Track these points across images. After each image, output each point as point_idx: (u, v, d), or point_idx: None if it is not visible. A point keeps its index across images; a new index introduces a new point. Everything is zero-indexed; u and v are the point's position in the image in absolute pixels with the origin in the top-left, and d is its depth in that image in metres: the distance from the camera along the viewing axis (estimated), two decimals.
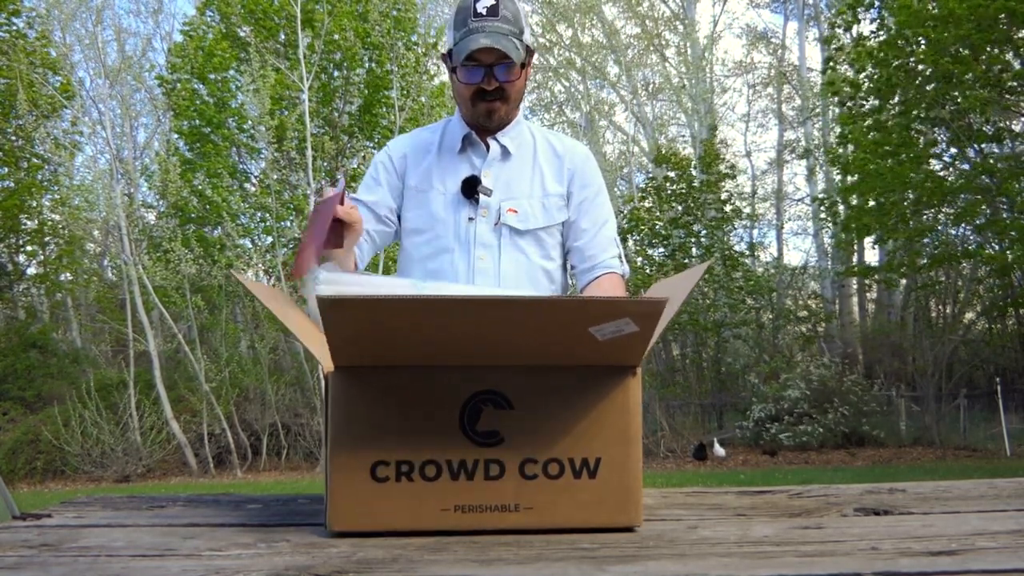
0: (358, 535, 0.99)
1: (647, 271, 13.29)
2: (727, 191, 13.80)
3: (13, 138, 13.10)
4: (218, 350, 11.53)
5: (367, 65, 12.35)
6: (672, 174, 13.63)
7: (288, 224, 11.58)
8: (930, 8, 9.24)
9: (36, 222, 13.73)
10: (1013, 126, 9.95)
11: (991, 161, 9.79)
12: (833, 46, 12.34)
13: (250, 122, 11.68)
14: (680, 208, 13.35)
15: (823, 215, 14.09)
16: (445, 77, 14.35)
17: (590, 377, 1.03)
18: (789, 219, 20.07)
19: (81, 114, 12.97)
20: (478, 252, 1.65)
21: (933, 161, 11.08)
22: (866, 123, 10.98)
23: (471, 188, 1.66)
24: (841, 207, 12.76)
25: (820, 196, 14.72)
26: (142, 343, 11.36)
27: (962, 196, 10.13)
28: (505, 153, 1.71)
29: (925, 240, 10.88)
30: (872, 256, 16.61)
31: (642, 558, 0.86)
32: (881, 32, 10.45)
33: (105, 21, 12.29)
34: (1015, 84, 9.00)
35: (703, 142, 14.53)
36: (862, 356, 14.70)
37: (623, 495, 1.02)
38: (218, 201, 11.19)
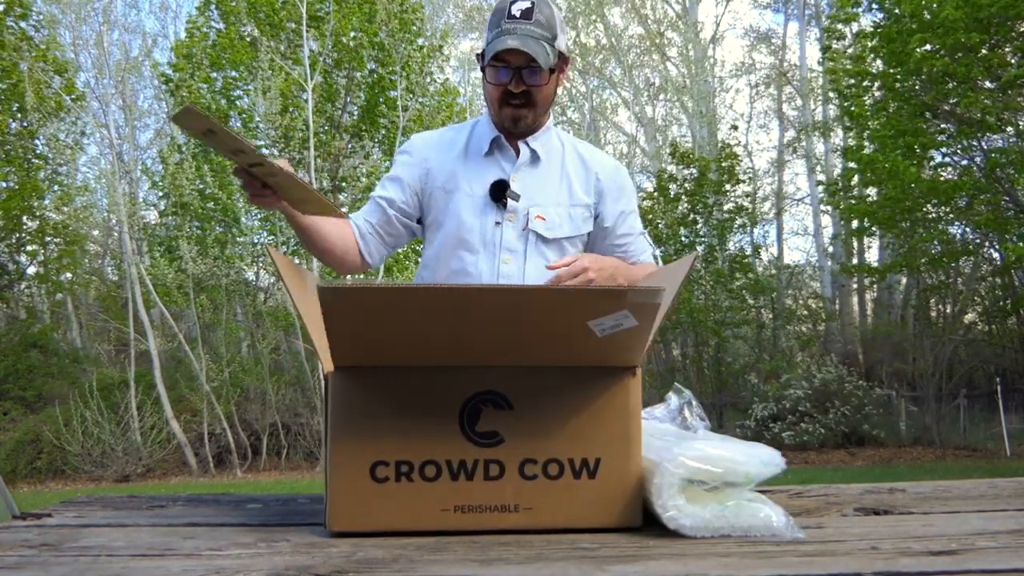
0: (358, 535, 0.99)
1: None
2: (743, 193, 13.76)
3: (14, 138, 13.10)
4: (219, 350, 11.54)
5: (370, 66, 12.35)
6: (687, 172, 13.61)
7: (285, 223, 11.58)
8: (925, 16, 9.25)
9: (37, 222, 13.73)
10: (1019, 120, 9.93)
11: (994, 156, 9.78)
12: (834, 43, 12.32)
13: (256, 121, 11.67)
14: (687, 207, 13.33)
15: (824, 201, 14.07)
16: (450, 75, 14.36)
17: (590, 377, 1.03)
18: (789, 218, 20.08)
19: (84, 114, 12.97)
20: (503, 256, 1.66)
21: (936, 156, 11.07)
22: (869, 99, 10.96)
23: (500, 192, 1.65)
24: (842, 203, 12.75)
25: (822, 181, 14.69)
26: (143, 343, 11.37)
27: (965, 196, 10.12)
28: (535, 158, 1.70)
29: (925, 239, 10.86)
30: (872, 256, 16.63)
31: (642, 558, 0.86)
32: (876, 36, 10.44)
33: (112, 20, 12.32)
34: (1018, 80, 8.99)
35: (721, 143, 14.51)
36: (862, 356, 14.70)
37: (623, 495, 1.02)
38: (224, 199, 11.21)
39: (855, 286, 17.25)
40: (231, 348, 11.74)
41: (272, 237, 11.98)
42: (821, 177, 16.46)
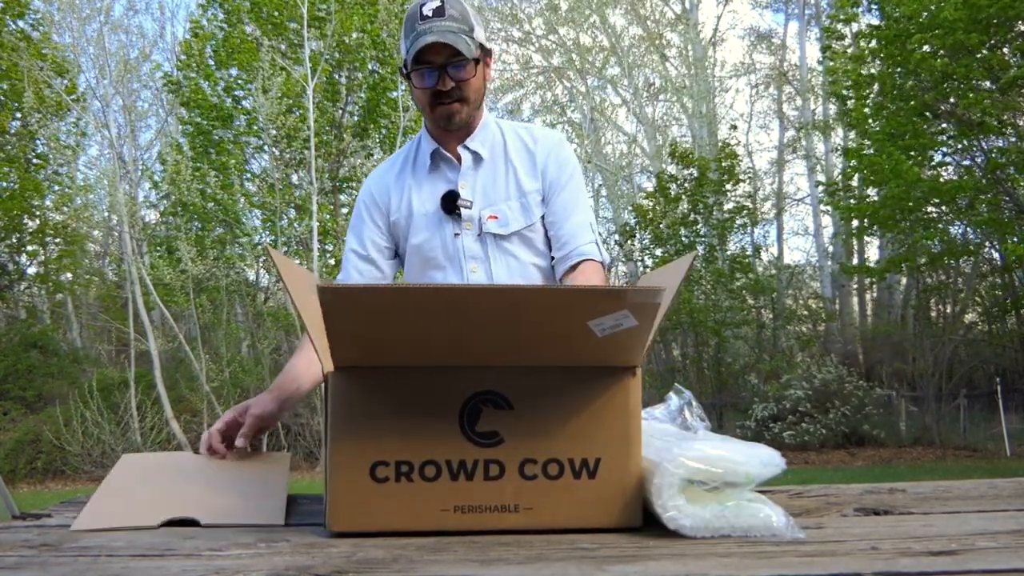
0: (358, 535, 0.99)
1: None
2: (743, 193, 13.75)
3: (15, 138, 13.11)
4: (219, 350, 11.54)
5: (371, 66, 12.35)
6: (687, 172, 13.61)
7: (285, 223, 11.57)
8: (924, 17, 9.25)
9: (37, 222, 13.74)
10: (1018, 121, 9.93)
11: (995, 157, 9.78)
12: (833, 43, 12.32)
13: (260, 121, 11.68)
14: (687, 207, 13.33)
15: (823, 201, 14.06)
16: None
17: (590, 377, 1.03)
18: (789, 218, 20.08)
19: (85, 114, 12.98)
20: (469, 265, 1.65)
21: (936, 156, 11.08)
22: (869, 97, 10.97)
23: (451, 203, 1.65)
24: (843, 201, 12.75)
25: (822, 181, 14.69)
26: (143, 343, 11.37)
27: (966, 196, 10.12)
28: (477, 159, 1.69)
29: (925, 237, 10.86)
30: (873, 256, 16.63)
31: (642, 558, 0.86)
32: (875, 38, 10.44)
33: (112, 21, 12.33)
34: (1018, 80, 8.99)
35: (721, 143, 14.50)
36: (862, 356, 14.70)
37: (623, 495, 1.02)
38: (225, 198, 11.21)
39: (855, 286, 17.25)
40: (231, 348, 11.74)
41: (273, 237, 11.97)
42: (821, 177, 16.47)
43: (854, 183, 12.65)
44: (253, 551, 0.92)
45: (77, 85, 12.65)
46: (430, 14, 1.54)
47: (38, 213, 13.48)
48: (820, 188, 14.29)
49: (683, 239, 13.15)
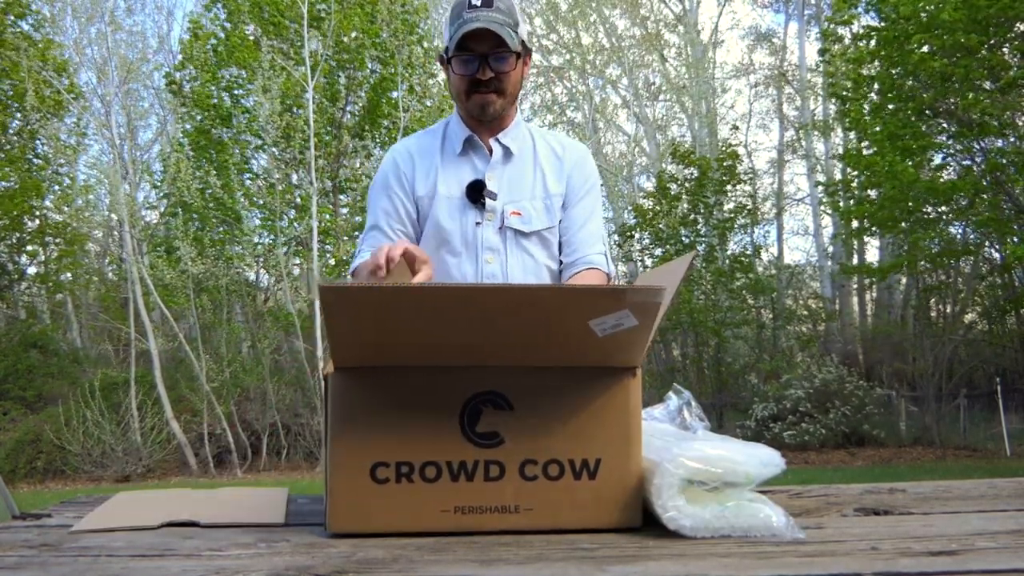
0: (358, 535, 0.99)
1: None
2: (744, 193, 13.74)
3: (15, 138, 13.11)
4: (219, 350, 11.54)
5: (371, 66, 12.35)
6: (688, 172, 13.61)
7: (284, 223, 11.57)
8: (922, 17, 9.25)
9: (37, 222, 13.74)
10: (1018, 120, 9.93)
11: (993, 157, 9.78)
12: (832, 46, 12.33)
13: (260, 120, 11.68)
14: (687, 207, 13.33)
15: (823, 203, 14.07)
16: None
17: (590, 377, 1.03)
18: (789, 218, 20.08)
19: (86, 114, 12.99)
20: (485, 256, 1.66)
21: (936, 156, 11.07)
22: (867, 98, 10.97)
23: (477, 192, 1.65)
24: (842, 202, 12.75)
25: (822, 182, 14.69)
26: (143, 343, 11.37)
27: (965, 196, 10.12)
28: (507, 154, 1.70)
29: (924, 237, 10.86)
30: (872, 256, 16.63)
31: (642, 558, 0.86)
32: (874, 39, 10.44)
33: (115, 21, 12.33)
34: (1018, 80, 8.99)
35: (723, 143, 14.49)
36: (862, 356, 14.70)
37: (623, 496, 1.02)
38: (225, 198, 11.21)
39: (855, 286, 17.25)
40: (231, 348, 11.74)
41: (273, 237, 11.98)
42: (821, 177, 16.47)
43: (854, 183, 12.65)
44: (253, 551, 0.92)
45: (76, 84, 12.65)
46: (478, 3, 1.56)
47: (38, 213, 13.47)
48: (820, 189, 14.30)
49: (683, 239, 13.15)
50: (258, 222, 12.57)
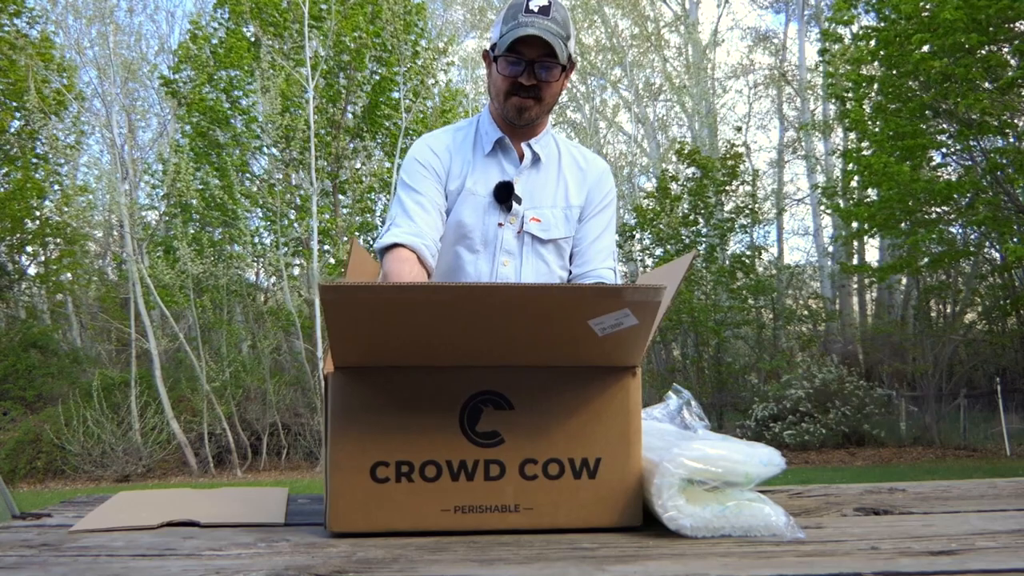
0: (358, 535, 0.99)
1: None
2: (745, 194, 13.72)
3: (15, 137, 13.10)
4: (220, 350, 11.54)
5: (371, 67, 12.34)
6: (689, 172, 13.59)
7: (285, 223, 11.57)
8: (923, 17, 9.25)
9: (38, 222, 13.74)
10: (1017, 121, 9.93)
11: (993, 156, 9.78)
12: (832, 46, 12.32)
13: (258, 121, 11.66)
14: (687, 207, 13.32)
15: (822, 204, 14.06)
16: (452, 75, 14.34)
17: (590, 377, 1.03)
18: (789, 218, 20.08)
19: (86, 114, 12.98)
20: (502, 257, 1.68)
21: (936, 157, 11.07)
22: (867, 98, 10.97)
23: (505, 194, 1.66)
24: (841, 202, 12.74)
25: (821, 184, 14.69)
26: (144, 343, 11.37)
27: (969, 195, 10.12)
28: (536, 161, 1.72)
29: (924, 237, 10.85)
30: (872, 256, 16.63)
31: (642, 558, 0.86)
32: (873, 39, 10.43)
33: (115, 21, 12.32)
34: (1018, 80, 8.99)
35: (728, 143, 14.47)
36: (862, 356, 14.69)
37: (623, 495, 1.02)
38: (225, 200, 11.20)
39: (855, 286, 17.25)
40: (231, 348, 11.74)
41: (273, 237, 11.98)
42: (821, 177, 16.46)
43: (853, 184, 12.65)
44: (253, 551, 0.92)
45: (76, 84, 12.65)
46: (536, 9, 1.56)
47: (38, 213, 13.46)
48: (818, 190, 14.31)
49: (683, 239, 13.15)
50: (258, 223, 12.57)
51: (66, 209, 12.62)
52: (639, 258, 14.35)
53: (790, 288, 15.81)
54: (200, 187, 11.47)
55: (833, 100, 12.82)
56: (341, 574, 0.81)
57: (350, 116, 12.36)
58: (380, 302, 0.93)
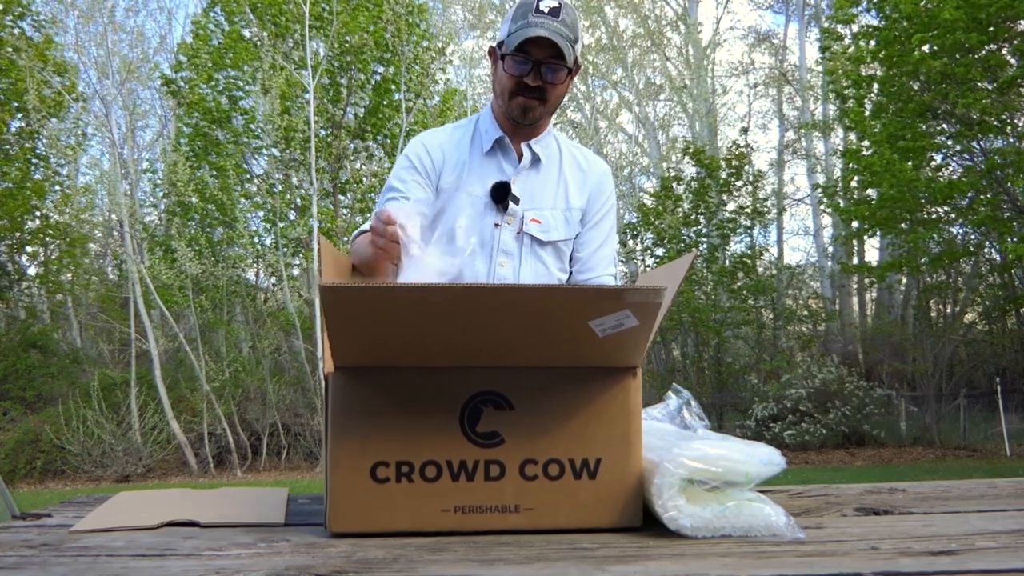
0: (358, 535, 0.99)
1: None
2: (748, 194, 13.70)
3: (15, 137, 13.10)
4: (219, 350, 11.54)
5: (373, 67, 12.34)
6: (693, 171, 13.58)
7: (284, 224, 11.57)
8: (923, 17, 9.25)
9: (38, 222, 13.74)
10: (1017, 121, 9.93)
11: (993, 157, 9.79)
12: (833, 44, 12.32)
13: (258, 121, 11.64)
14: (688, 207, 13.31)
15: (823, 203, 14.06)
16: (451, 76, 14.33)
17: (591, 378, 1.03)
18: (789, 218, 20.08)
19: (86, 114, 12.97)
20: (499, 258, 1.67)
21: (936, 157, 11.07)
22: (868, 98, 10.97)
23: (501, 194, 1.66)
24: (842, 201, 12.74)
25: (821, 184, 14.69)
26: (143, 343, 11.37)
27: (969, 195, 10.12)
28: (535, 161, 1.71)
29: (924, 236, 10.85)
30: (872, 256, 16.62)
31: (642, 558, 0.86)
32: (874, 38, 10.44)
33: (115, 21, 12.33)
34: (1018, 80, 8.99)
35: (733, 143, 14.47)
36: (862, 356, 14.69)
37: (623, 496, 1.02)
38: (224, 200, 11.20)
39: (855, 286, 17.25)
40: (231, 348, 11.74)
41: (272, 238, 11.98)
42: (821, 177, 16.45)
43: (853, 184, 12.65)
44: (253, 551, 0.92)
45: (76, 85, 12.64)
46: (546, 11, 1.56)
47: (38, 213, 13.46)
48: (819, 190, 14.32)
49: (684, 239, 13.15)
50: (259, 223, 12.56)
51: (67, 209, 12.62)
52: (640, 258, 14.36)
53: (790, 288, 15.80)
54: (200, 186, 11.46)
55: (833, 98, 12.82)
56: (341, 574, 0.81)
57: (351, 116, 12.36)
58: (380, 302, 0.93)
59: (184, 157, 11.28)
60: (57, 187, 13.62)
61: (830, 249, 16.70)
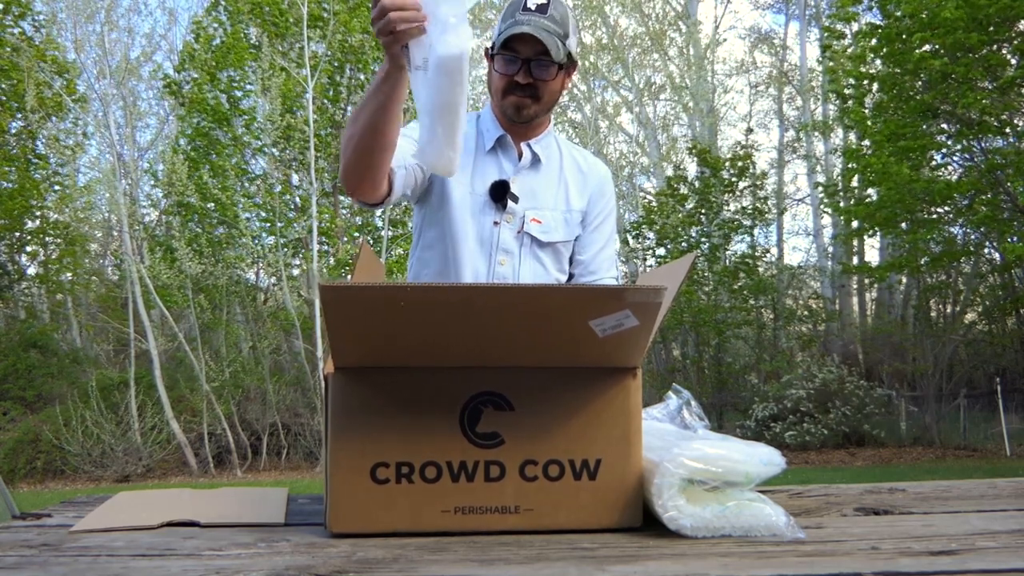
0: (358, 536, 0.99)
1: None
2: (751, 195, 13.69)
3: (15, 138, 13.10)
4: (219, 350, 11.53)
5: (373, 67, 12.33)
6: (697, 171, 13.58)
7: (283, 224, 11.57)
8: (923, 16, 9.25)
9: (38, 222, 13.74)
10: (1017, 121, 9.93)
11: (993, 157, 9.79)
12: (833, 43, 12.33)
13: (258, 122, 11.64)
14: (690, 206, 13.31)
15: (823, 203, 14.06)
16: None
17: (590, 378, 1.03)
18: (789, 218, 20.08)
19: (85, 114, 12.97)
20: (499, 257, 1.67)
21: (936, 157, 11.07)
22: (868, 97, 10.98)
23: (500, 193, 1.66)
24: (842, 202, 12.74)
25: (821, 183, 14.70)
26: (143, 342, 11.37)
27: (969, 195, 10.12)
28: (535, 161, 1.71)
29: (923, 236, 10.86)
30: (872, 255, 16.62)
31: (642, 558, 0.86)
32: (876, 37, 10.44)
33: (113, 20, 12.31)
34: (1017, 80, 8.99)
35: (737, 143, 14.47)
36: (862, 356, 14.70)
37: (623, 496, 1.02)
38: (224, 200, 11.21)
39: (855, 286, 17.25)
40: (231, 348, 11.73)
41: (272, 238, 11.97)
42: (821, 178, 16.45)
43: (854, 183, 12.65)
44: (253, 551, 0.92)
45: (76, 86, 12.64)
46: (533, 7, 1.56)
47: (38, 213, 13.46)
48: (819, 189, 14.32)
49: (685, 239, 13.15)
50: (259, 224, 12.55)
51: (66, 209, 12.62)
52: (641, 257, 14.36)
53: (790, 288, 15.80)
54: (200, 186, 11.46)
55: (834, 98, 12.82)
56: (341, 574, 0.81)
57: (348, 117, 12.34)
58: (380, 302, 0.93)
59: (184, 157, 11.27)
60: (57, 187, 13.62)
61: (830, 249, 16.70)
